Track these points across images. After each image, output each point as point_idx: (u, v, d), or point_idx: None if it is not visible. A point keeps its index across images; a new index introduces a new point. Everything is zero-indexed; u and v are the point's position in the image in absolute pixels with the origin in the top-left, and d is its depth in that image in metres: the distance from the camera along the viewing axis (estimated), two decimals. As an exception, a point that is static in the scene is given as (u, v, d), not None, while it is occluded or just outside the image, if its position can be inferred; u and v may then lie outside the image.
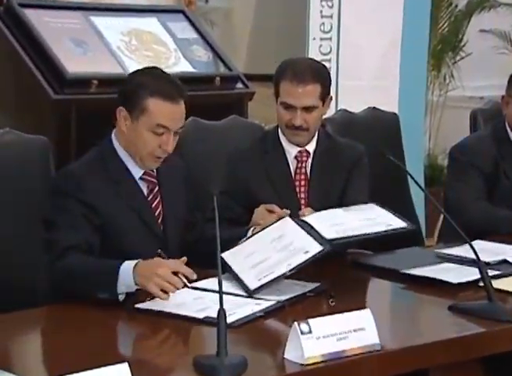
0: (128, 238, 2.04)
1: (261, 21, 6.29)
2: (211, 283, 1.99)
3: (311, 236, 2.05)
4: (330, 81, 2.43)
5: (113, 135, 2.11)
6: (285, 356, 1.63)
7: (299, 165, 2.41)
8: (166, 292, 1.85)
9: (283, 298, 1.94)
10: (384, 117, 3.05)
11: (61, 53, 3.24)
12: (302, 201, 2.40)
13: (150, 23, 3.61)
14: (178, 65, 3.51)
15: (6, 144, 2.22)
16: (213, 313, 1.77)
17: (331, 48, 3.79)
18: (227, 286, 1.97)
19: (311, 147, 2.43)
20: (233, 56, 4.15)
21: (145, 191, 2.11)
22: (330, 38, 3.79)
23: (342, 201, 2.40)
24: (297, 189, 2.40)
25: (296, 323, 1.62)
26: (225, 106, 3.41)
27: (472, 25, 5.08)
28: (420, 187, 2.34)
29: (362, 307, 1.72)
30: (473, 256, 2.06)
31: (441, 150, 5.07)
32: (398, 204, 2.83)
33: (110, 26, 3.48)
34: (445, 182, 2.85)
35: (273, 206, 2.24)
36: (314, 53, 3.73)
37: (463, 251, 2.27)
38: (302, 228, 2.09)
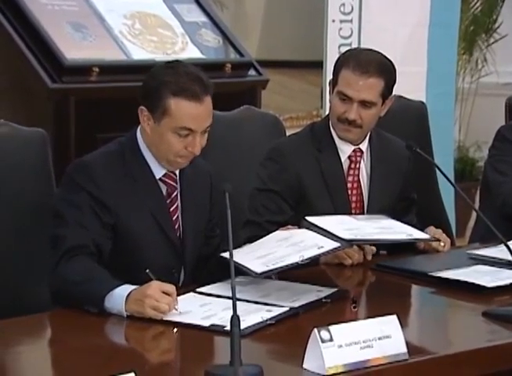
0: (140, 240, 2.04)
1: (274, 3, 6.29)
2: (219, 288, 2.00)
3: (326, 236, 2.05)
4: (395, 80, 2.40)
5: (137, 130, 2.10)
6: (304, 366, 1.64)
7: (352, 165, 2.41)
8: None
9: (297, 304, 1.94)
10: (410, 106, 3.04)
11: (59, 38, 3.26)
12: (353, 205, 2.41)
13: (155, 5, 3.62)
14: (185, 51, 3.52)
15: (2, 137, 2.23)
16: (219, 320, 1.79)
17: (352, 31, 3.78)
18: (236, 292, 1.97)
19: (364, 146, 2.42)
20: (245, 40, 4.16)
21: (164, 194, 2.10)
22: (351, 20, 3.78)
23: (400, 203, 2.46)
24: (349, 191, 2.40)
25: (316, 330, 1.62)
26: (237, 95, 3.41)
27: (507, 4, 5.05)
28: (451, 182, 2.34)
29: (387, 313, 1.72)
30: (509, 257, 2.06)
31: (472, 142, 5.06)
32: (426, 200, 2.84)
33: (112, 8, 3.50)
34: (486, 164, 2.82)
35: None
36: (333, 37, 3.72)
37: (498, 251, 2.26)
38: (314, 231, 2.08)
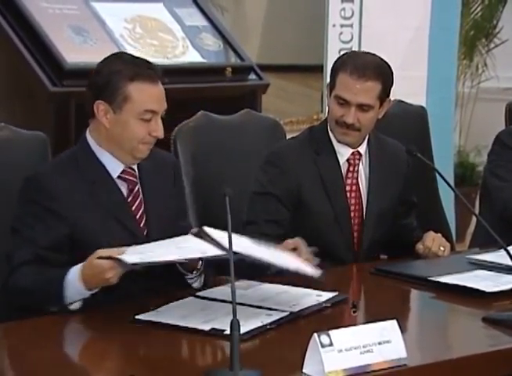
0: (105, 242, 1.96)
1: (275, 7, 6.29)
2: (220, 292, 1.99)
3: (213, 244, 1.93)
4: (392, 82, 2.40)
5: (87, 133, 2.09)
6: (304, 371, 1.64)
7: (350, 168, 2.41)
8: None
9: (297, 308, 1.93)
10: (410, 111, 3.05)
11: (59, 42, 3.26)
12: (352, 207, 2.41)
13: (156, 10, 3.63)
14: (186, 54, 3.53)
15: (2, 140, 2.23)
16: (219, 324, 1.79)
17: (352, 36, 3.79)
18: (227, 293, 1.93)
19: (362, 149, 2.42)
20: (245, 44, 4.16)
21: (124, 191, 2.08)
22: (351, 25, 3.79)
23: (400, 206, 2.45)
24: (348, 194, 2.40)
25: (316, 334, 1.62)
26: (237, 99, 3.42)
27: (508, 9, 5.05)
28: (451, 187, 2.34)
29: (387, 318, 1.72)
30: (509, 262, 2.06)
31: (472, 147, 5.05)
32: (426, 205, 2.84)
33: (113, 12, 3.50)
34: (485, 169, 2.82)
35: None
36: (333, 41, 3.73)
37: (497, 256, 2.26)
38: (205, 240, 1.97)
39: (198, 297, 1.99)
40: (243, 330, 1.71)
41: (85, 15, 3.44)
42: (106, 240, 2.00)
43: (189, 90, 3.40)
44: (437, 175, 2.65)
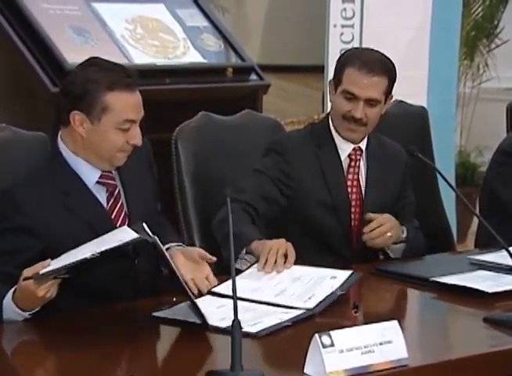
0: None
1: (276, 7, 6.29)
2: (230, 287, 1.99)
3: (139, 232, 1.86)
4: (396, 78, 2.41)
5: (59, 140, 2.03)
6: (305, 371, 1.64)
7: (351, 164, 2.42)
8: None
9: (312, 304, 1.93)
10: (411, 111, 3.04)
11: (60, 42, 3.26)
12: (353, 203, 2.41)
13: (157, 10, 3.63)
14: (187, 55, 3.52)
15: (2, 141, 2.23)
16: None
17: (353, 36, 3.79)
18: (250, 291, 1.97)
19: (363, 145, 2.44)
20: (246, 45, 4.15)
21: (103, 197, 2.03)
22: (352, 25, 3.79)
23: (396, 206, 2.44)
24: (349, 189, 2.41)
25: (317, 335, 1.62)
26: (238, 99, 3.42)
27: (509, 9, 5.05)
28: (452, 187, 2.33)
29: (388, 318, 1.72)
30: (510, 263, 2.05)
31: (473, 147, 5.05)
32: (427, 205, 2.84)
33: (114, 13, 3.50)
34: (490, 180, 2.77)
35: (293, 254, 2.12)
36: (334, 42, 3.73)
37: (498, 257, 2.26)
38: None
39: (214, 294, 1.97)
40: (259, 327, 1.74)
41: (86, 15, 3.44)
42: None
43: (189, 90, 3.40)
44: (438, 175, 2.64)
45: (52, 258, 1.85)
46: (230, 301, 1.90)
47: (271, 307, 1.93)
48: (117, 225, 2.03)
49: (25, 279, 1.81)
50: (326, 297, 1.97)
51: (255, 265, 2.11)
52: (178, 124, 2.61)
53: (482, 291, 2.08)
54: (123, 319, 1.88)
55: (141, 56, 3.43)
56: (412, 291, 2.19)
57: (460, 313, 2.09)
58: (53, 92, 3.20)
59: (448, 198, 3.20)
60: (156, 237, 1.84)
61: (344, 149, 2.41)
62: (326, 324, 1.83)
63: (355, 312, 1.95)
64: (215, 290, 1.99)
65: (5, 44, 3.32)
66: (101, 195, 2.04)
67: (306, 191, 2.37)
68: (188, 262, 2.01)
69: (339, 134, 2.41)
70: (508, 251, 2.08)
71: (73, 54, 3.25)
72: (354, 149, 2.42)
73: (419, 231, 2.50)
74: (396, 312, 2.09)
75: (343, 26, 3.78)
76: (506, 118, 3.14)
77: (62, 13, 3.38)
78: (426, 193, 2.91)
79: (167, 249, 2.00)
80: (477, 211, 2.64)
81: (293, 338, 1.85)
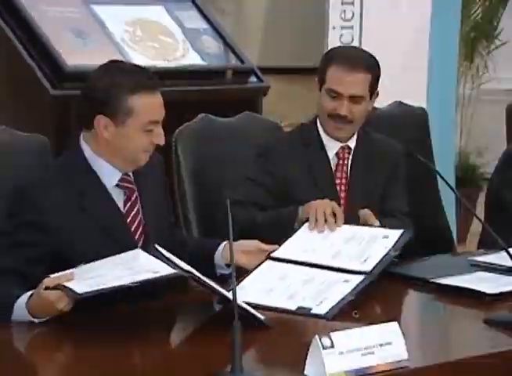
0: (88, 258, 1.89)
1: (275, 9, 6.29)
2: (294, 248, 2.01)
3: (166, 263, 1.86)
4: (380, 74, 2.42)
5: (81, 141, 2.04)
6: (305, 373, 1.63)
7: (340, 162, 2.43)
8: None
9: (370, 266, 1.96)
10: (410, 112, 3.05)
11: (60, 45, 3.26)
12: (342, 201, 2.42)
13: (156, 12, 3.63)
14: (186, 57, 3.53)
15: (2, 144, 2.23)
16: (303, 301, 1.85)
17: (353, 38, 3.79)
18: (304, 252, 2.00)
19: (352, 143, 2.44)
20: (246, 47, 4.15)
21: (121, 200, 2.03)
22: (352, 27, 3.79)
23: (382, 204, 2.44)
24: (338, 188, 2.42)
25: (317, 336, 1.62)
26: (238, 101, 3.41)
27: (508, 11, 5.06)
28: (452, 188, 2.33)
29: (388, 319, 1.72)
30: (510, 264, 2.05)
31: (473, 148, 5.06)
32: (427, 206, 2.84)
33: (113, 15, 3.50)
34: (499, 187, 2.76)
35: (340, 212, 2.20)
36: (334, 43, 3.73)
37: (499, 258, 2.26)
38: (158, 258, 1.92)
39: (273, 259, 1.99)
40: (325, 307, 1.80)
41: (86, 18, 3.44)
42: (94, 255, 1.92)
43: (189, 93, 3.40)
44: (437, 176, 2.64)
45: (67, 262, 1.87)
46: (290, 269, 1.95)
47: (328, 272, 1.95)
48: (132, 230, 2.04)
49: (46, 288, 1.81)
50: (382, 258, 2.00)
51: (306, 225, 2.16)
52: (178, 127, 2.61)
53: (482, 293, 2.08)
54: (122, 321, 1.88)
55: (140, 59, 3.43)
56: (412, 292, 2.19)
57: (460, 314, 2.09)
58: (53, 94, 3.20)
59: (448, 199, 3.20)
60: (190, 268, 1.81)
61: (332, 147, 2.43)
62: (326, 325, 1.83)
63: (356, 314, 1.95)
64: (274, 255, 2.01)
65: (4, 46, 3.32)
66: (118, 198, 2.05)
67: (295, 192, 2.38)
68: (246, 256, 2.07)
69: (326, 133, 2.42)
70: (508, 253, 2.08)
71: (73, 56, 3.25)
72: (342, 147, 2.43)
73: (404, 219, 2.46)
74: (396, 314, 2.09)
75: (342, 27, 3.79)
76: (505, 119, 3.15)
77: (61, 16, 3.38)
78: (426, 195, 2.91)
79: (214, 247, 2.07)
80: (482, 213, 2.63)
81: (294, 340, 1.85)
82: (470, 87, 5.04)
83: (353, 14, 3.78)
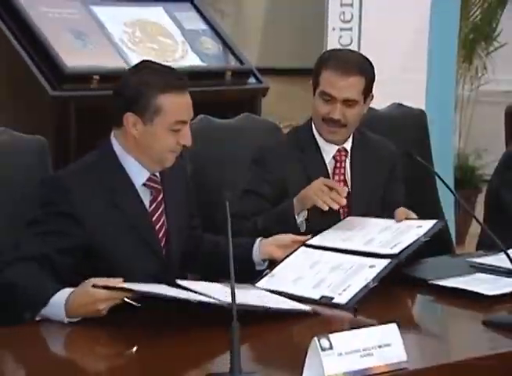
0: (117, 252, 1.98)
1: (274, 10, 6.30)
2: (330, 237, 2.10)
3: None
4: (374, 77, 2.42)
5: (112, 138, 2.08)
6: (303, 374, 1.63)
7: (337, 165, 2.43)
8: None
9: (398, 250, 2.02)
10: (409, 114, 3.05)
11: (59, 46, 3.26)
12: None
13: (156, 13, 3.63)
14: (185, 58, 3.53)
15: (2, 145, 2.23)
16: (327, 289, 1.94)
17: (352, 40, 3.79)
18: (340, 241, 2.10)
19: (348, 145, 2.44)
20: (245, 48, 4.16)
21: (147, 200, 2.07)
22: (351, 28, 3.80)
23: (383, 204, 2.46)
24: None
25: (315, 338, 1.62)
26: (237, 102, 3.42)
27: (507, 12, 5.06)
28: (451, 190, 2.34)
29: (387, 321, 1.72)
30: (509, 266, 2.05)
31: (472, 150, 5.06)
32: (425, 208, 2.83)
33: (112, 16, 3.50)
34: (495, 187, 2.76)
35: (332, 182, 2.27)
36: (333, 45, 3.73)
37: (498, 260, 2.26)
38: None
39: (308, 246, 2.08)
40: (347, 296, 1.88)
41: (85, 19, 3.44)
42: (121, 250, 1.99)
43: (188, 93, 3.40)
44: (436, 178, 2.65)
45: (96, 256, 1.94)
46: (323, 255, 2.04)
47: (356, 258, 2.02)
48: (155, 229, 2.07)
49: (94, 286, 1.82)
50: (411, 243, 2.05)
51: (348, 219, 2.26)
52: (177, 127, 2.60)
53: (481, 294, 2.08)
54: (121, 322, 1.88)
55: (139, 60, 3.42)
56: (411, 294, 2.19)
57: (459, 316, 2.09)
58: (52, 96, 3.20)
59: (447, 201, 3.20)
60: (228, 301, 1.78)
61: (328, 151, 2.42)
62: (325, 327, 1.83)
63: (355, 316, 1.95)
64: (310, 242, 2.09)
65: (3, 47, 3.32)
66: (145, 198, 2.08)
67: (293, 198, 2.36)
68: (281, 249, 2.14)
69: (322, 136, 2.42)
70: (507, 254, 2.09)
71: (72, 57, 3.25)
72: (338, 150, 2.43)
73: None
74: (395, 315, 2.09)
75: (341, 29, 3.79)
76: (504, 121, 3.15)
77: (60, 17, 3.38)
78: (424, 196, 2.91)
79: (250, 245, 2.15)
80: (482, 215, 2.63)
81: (292, 341, 1.85)
82: (469, 88, 5.05)
83: (352, 16, 3.79)
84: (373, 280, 1.97)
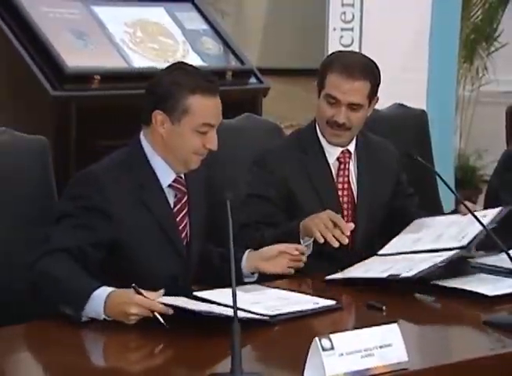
0: (143, 249, 2.02)
1: (275, 10, 6.30)
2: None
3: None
4: (380, 81, 2.42)
5: (142, 137, 2.09)
6: (305, 375, 1.63)
7: (341, 166, 2.42)
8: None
9: (466, 241, 2.13)
10: (410, 114, 3.05)
11: (60, 46, 3.26)
12: (345, 205, 2.42)
13: (157, 13, 3.63)
14: (186, 58, 3.52)
15: (2, 145, 2.23)
16: (395, 270, 2.08)
17: (353, 40, 3.79)
18: (411, 242, 2.24)
19: (352, 147, 2.44)
20: (246, 48, 4.16)
21: (172, 200, 2.09)
22: (352, 29, 3.80)
23: (394, 205, 2.48)
24: (340, 192, 2.41)
25: (317, 338, 1.62)
26: (238, 102, 3.41)
27: (508, 13, 5.06)
28: (451, 190, 2.34)
29: (388, 321, 1.72)
30: (510, 266, 2.05)
31: (473, 150, 5.06)
32: (426, 208, 2.83)
33: (113, 16, 3.50)
34: (495, 187, 2.77)
35: (339, 218, 2.23)
36: (334, 45, 3.74)
37: (498, 260, 2.26)
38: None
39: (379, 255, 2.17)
40: (412, 272, 2.00)
41: (86, 19, 3.44)
42: (145, 248, 2.01)
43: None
44: (437, 178, 2.64)
45: (123, 252, 1.98)
46: (397, 258, 2.17)
47: (427, 254, 2.09)
48: (179, 230, 2.09)
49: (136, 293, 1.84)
50: (478, 233, 2.12)
51: (415, 222, 2.35)
52: (178, 128, 2.60)
53: (482, 294, 2.07)
54: (123, 322, 1.88)
55: (140, 60, 3.43)
56: (412, 294, 2.19)
57: (460, 316, 2.08)
58: (53, 96, 3.20)
59: (448, 201, 3.20)
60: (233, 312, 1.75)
61: (332, 153, 2.42)
62: (326, 327, 1.83)
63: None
64: (381, 252, 2.20)
65: (4, 47, 3.32)
66: (170, 198, 2.10)
67: (296, 202, 2.37)
68: (268, 262, 2.15)
69: (325, 138, 2.42)
70: (508, 254, 2.08)
71: (73, 57, 3.25)
72: (342, 152, 2.43)
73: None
74: (396, 316, 2.09)
75: (342, 29, 3.79)
76: (505, 121, 3.15)
77: (61, 17, 3.38)
78: (425, 196, 2.90)
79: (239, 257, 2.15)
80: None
81: (293, 341, 1.85)
82: (470, 89, 5.05)
83: (353, 16, 3.79)
84: (442, 261, 2.06)
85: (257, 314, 1.89)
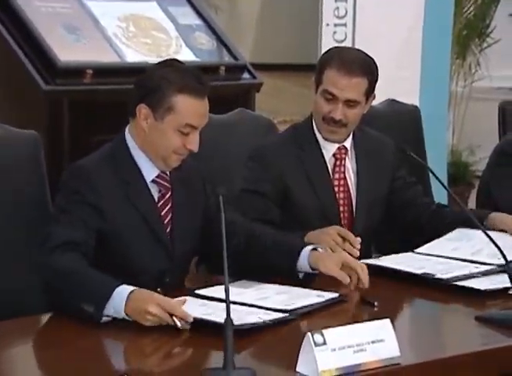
0: (132, 244, 2.03)
1: (269, 6, 6.30)
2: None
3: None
4: (378, 78, 2.41)
5: (126, 131, 2.09)
6: (297, 370, 1.64)
7: (337, 163, 2.42)
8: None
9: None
10: (403, 110, 3.05)
11: (52, 40, 3.25)
12: (341, 201, 2.41)
13: (150, 8, 3.62)
14: (179, 53, 3.52)
15: (-6, 139, 2.22)
16: (431, 270, 2.05)
17: (346, 35, 3.79)
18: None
19: (348, 143, 2.43)
20: (239, 43, 4.15)
21: (156, 196, 2.09)
22: (345, 24, 3.79)
23: (402, 198, 2.48)
24: (336, 189, 2.41)
25: (309, 333, 1.62)
26: (231, 98, 3.41)
27: (500, 9, 5.07)
28: (444, 186, 2.34)
29: (380, 316, 1.72)
30: (502, 261, 2.05)
31: (465, 146, 5.07)
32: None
33: (106, 11, 3.49)
34: (486, 182, 2.78)
35: (347, 232, 2.23)
36: (327, 40, 3.73)
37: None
38: None
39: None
40: (448, 275, 2.05)
41: (78, 13, 3.43)
42: (134, 242, 2.02)
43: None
44: (430, 174, 2.65)
45: (109, 245, 1.98)
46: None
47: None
48: (164, 224, 2.08)
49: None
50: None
51: (458, 229, 2.36)
52: (171, 123, 2.59)
53: (474, 289, 2.08)
54: (116, 318, 1.88)
55: (133, 55, 3.43)
56: (404, 289, 2.19)
57: (452, 311, 2.09)
58: (45, 90, 3.19)
59: (440, 196, 3.20)
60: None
61: (329, 149, 2.41)
62: (318, 322, 1.83)
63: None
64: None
65: (-4, 42, 3.30)
66: (155, 193, 2.09)
67: (292, 198, 2.36)
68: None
69: (321, 134, 2.41)
70: (499, 250, 2.09)
71: (66, 52, 3.25)
72: (338, 148, 2.42)
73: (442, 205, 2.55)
74: (388, 311, 2.09)
75: (336, 25, 3.79)
76: (497, 117, 3.15)
77: (54, 11, 3.37)
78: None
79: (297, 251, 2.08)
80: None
81: (286, 337, 1.85)
82: (463, 85, 5.06)
83: (346, 11, 3.78)
84: (478, 272, 2.10)
85: (275, 310, 1.88)
